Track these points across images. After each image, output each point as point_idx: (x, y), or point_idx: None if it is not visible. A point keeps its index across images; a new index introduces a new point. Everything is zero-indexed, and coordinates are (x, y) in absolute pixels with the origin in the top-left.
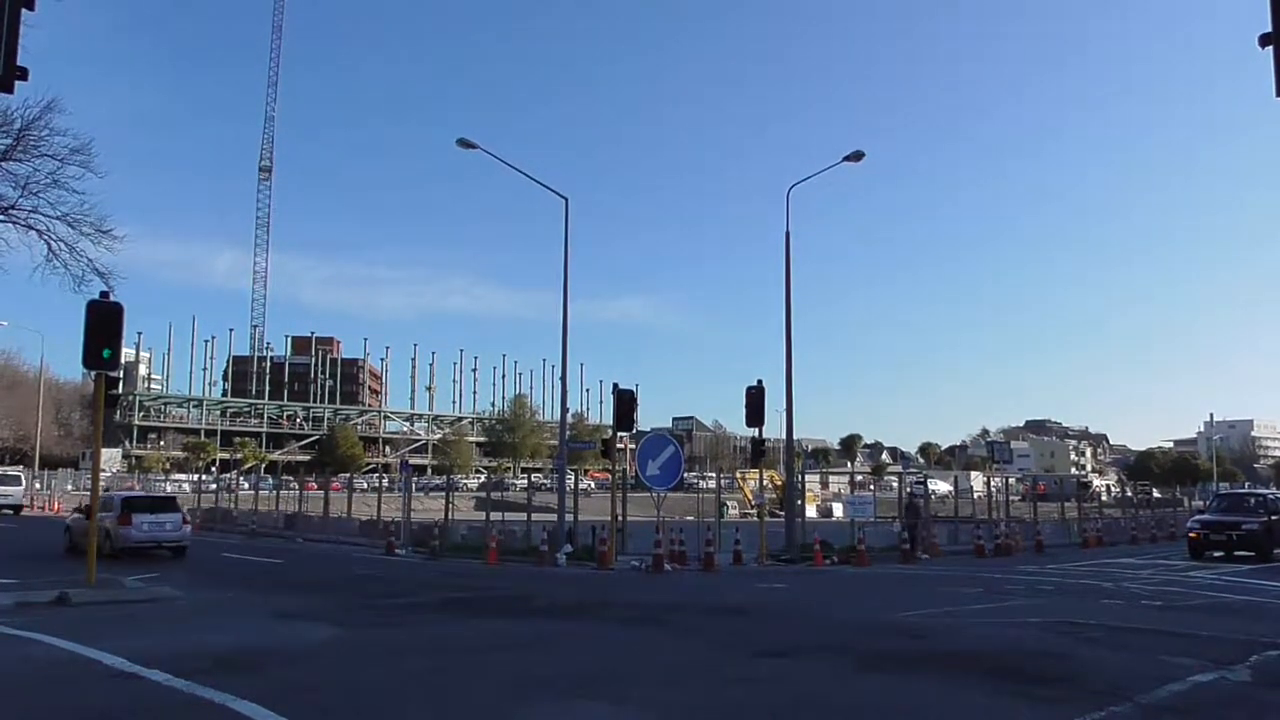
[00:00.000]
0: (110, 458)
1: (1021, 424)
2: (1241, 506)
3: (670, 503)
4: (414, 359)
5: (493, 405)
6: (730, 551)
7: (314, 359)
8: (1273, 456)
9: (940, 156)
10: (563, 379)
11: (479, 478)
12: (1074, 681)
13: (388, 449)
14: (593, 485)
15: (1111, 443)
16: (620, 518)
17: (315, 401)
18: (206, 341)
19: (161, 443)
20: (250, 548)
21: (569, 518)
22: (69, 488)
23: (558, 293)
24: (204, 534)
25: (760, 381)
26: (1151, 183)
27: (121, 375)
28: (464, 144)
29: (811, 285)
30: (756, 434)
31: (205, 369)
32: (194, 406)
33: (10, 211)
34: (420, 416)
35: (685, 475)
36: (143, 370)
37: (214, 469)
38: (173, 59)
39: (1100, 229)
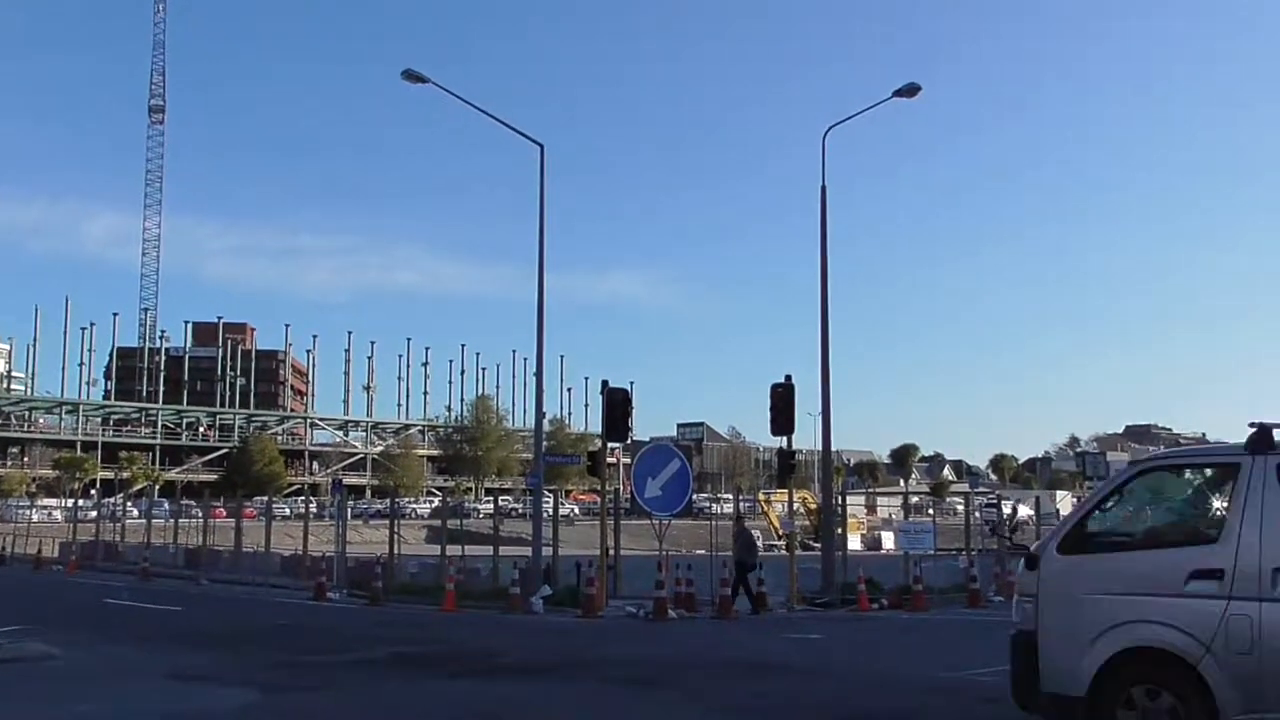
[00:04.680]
0: None
1: (1120, 430)
2: None
3: (675, 532)
4: (348, 351)
5: (449, 409)
6: (753, 593)
7: (221, 351)
8: None
9: (1020, 101)
10: (538, 375)
11: (432, 501)
12: None
13: (316, 465)
14: (577, 510)
15: None
16: (612, 551)
17: (223, 405)
18: (83, 329)
19: (25, 459)
20: (142, 591)
21: (547, 551)
22: None
23: (531, 266)
24: (82, 574)
25: (789, 378)
26: None
27: None
28: (411, 77)
29: (855, 262)
30: (784, 444)
31: (82, 364)
32: (67, 412)
33: None
34: (357, 424)
35: (694, 497)
36: (0, 366)
37: (94, 492)
38: None
39: (1228, 188)
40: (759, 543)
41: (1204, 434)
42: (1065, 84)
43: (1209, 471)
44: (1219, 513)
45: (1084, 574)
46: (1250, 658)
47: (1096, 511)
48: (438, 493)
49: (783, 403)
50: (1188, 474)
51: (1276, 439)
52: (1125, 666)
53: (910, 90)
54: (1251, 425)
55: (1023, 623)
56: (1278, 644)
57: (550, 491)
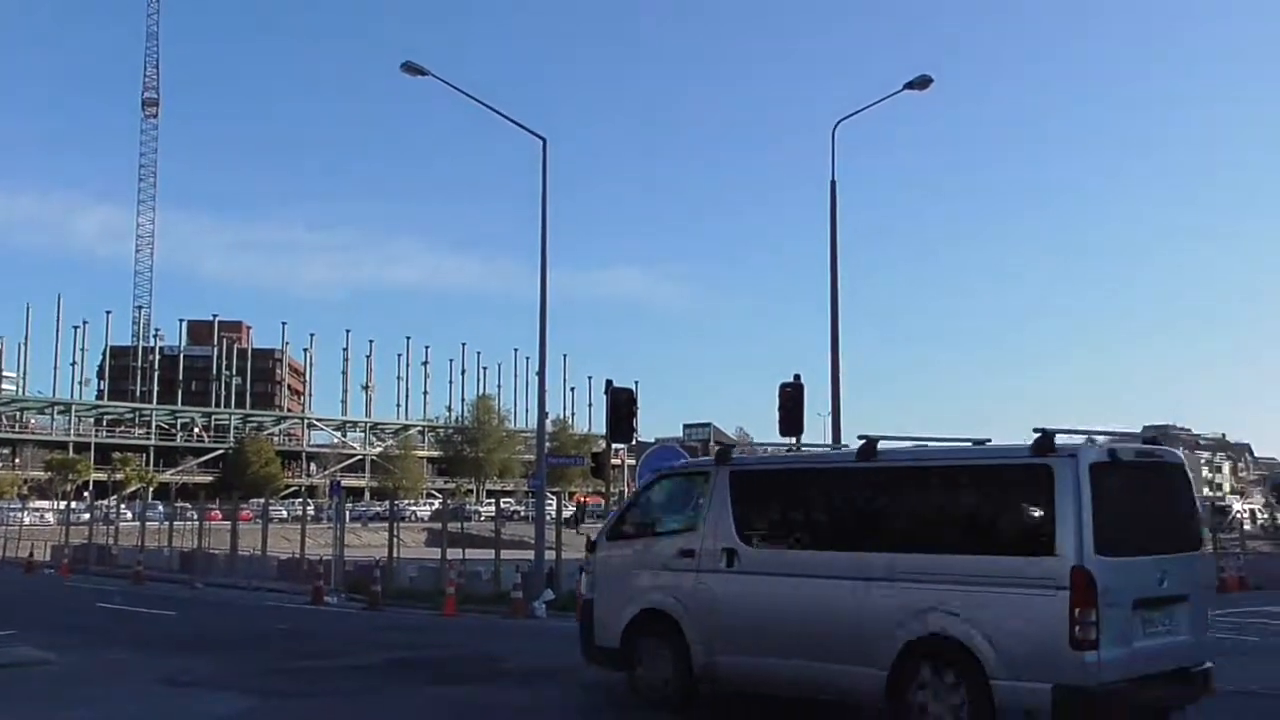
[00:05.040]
0: None
1: (1137, 430)
2: None
3: None
4: (346, 350)
5: (449, 410)
6: None
7: (217, 350)
8: None
9: (1028, 89)
10: (540, 374)
11: (432, 504)
12: None
13: (313, 466)
14: None
15: (1256, 455)
16: None
17: (219, 405)
18: (76, 328)
19: (17, 460)
20: (136, 595)
21: (549, 555)
22: None
23: (532, 261)
24: (75, 578)
25: (798, 377)
26: None
27: None
28: (411, 70)
29: (865, 259)
30: (794, 445)
31: (74, 363)
32: (59, 413)
33: None
34: (355, 424)
35: None
36: None
37: (87, 494)
38: None
39: (1252, 183)
40: None
41: (1224, 434)
42: (1080, 74)
43: (696, 478)
44: (698, 507)
45: (619, 555)
46: (710, 615)
47: (631, 508)
48: (438, 495)
49: (791, 402)
50: (685, 480)
51: (735, 454)
52: (640, 623)
53: (922, 82)
54: (1036, 431)
55: (586, 593)
56: (726, 606)
57: (553, 494)
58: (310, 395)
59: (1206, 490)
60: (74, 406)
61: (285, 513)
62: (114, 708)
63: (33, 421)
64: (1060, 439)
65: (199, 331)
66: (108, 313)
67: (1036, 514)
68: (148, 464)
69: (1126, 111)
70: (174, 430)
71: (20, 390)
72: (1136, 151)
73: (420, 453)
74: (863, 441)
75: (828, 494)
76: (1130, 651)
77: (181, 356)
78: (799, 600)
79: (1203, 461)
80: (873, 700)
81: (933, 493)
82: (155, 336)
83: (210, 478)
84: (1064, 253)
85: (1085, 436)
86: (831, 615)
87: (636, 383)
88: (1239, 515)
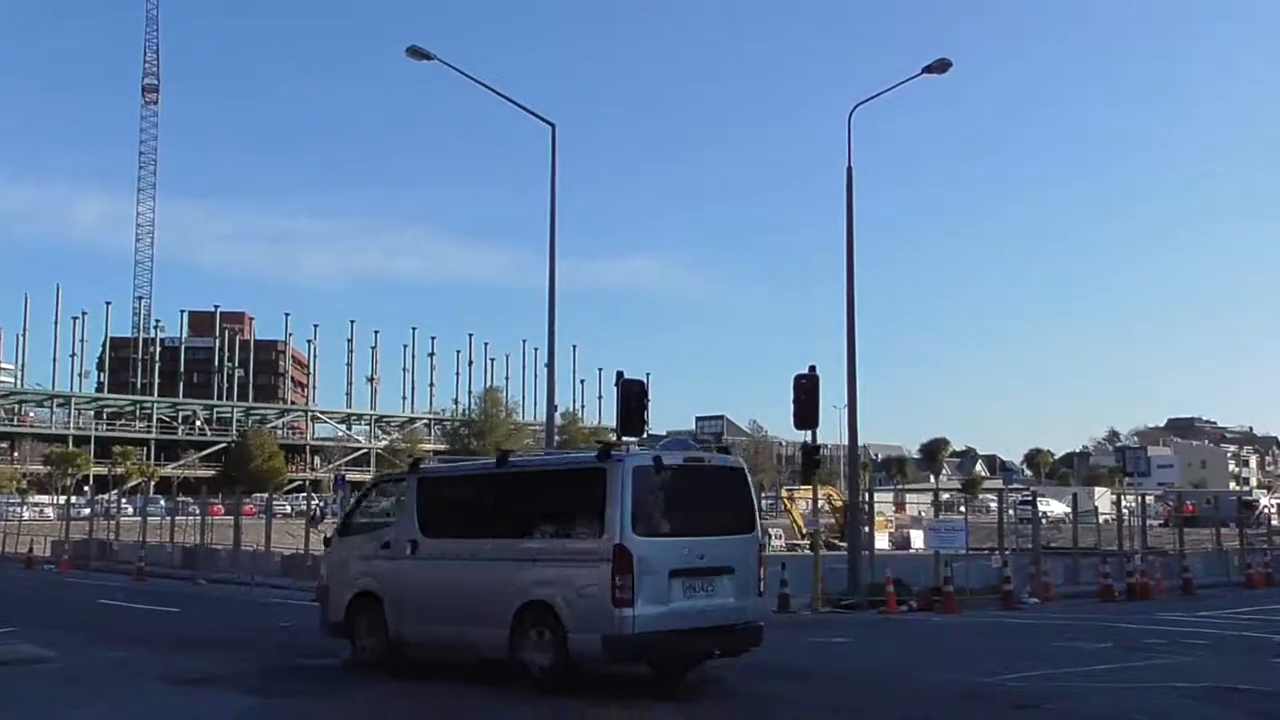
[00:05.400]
0: None
1: (1163, 424)
2: None
3: None
4: (350, 340)
5: (456, 402)
6: (775, 595)
7: (219, 341)
8: None
9: (1052, 74)
10: (549, 365)
11: None
12: None
13: (317, 460)
14: None
15: None
16: None
17: (221, 398)
18: (75, 319)
19: (15, 454)
20: (137, 592)
21: None
22: None
23: (541, 250)
24: (76, 574)
25: (813, 368)
26: None
27: None
28: (416, 54)
29: (883, 248)
30: (808, 438)
31: (74, 355)
32: (58, 405)
33: None
34: (360, 417)
35: None
36: None
37: (87, 488)
38: None
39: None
40: (782, 540)
41: (1250, 427)
42: (1103, 62)
43: (399, 484)
44: (397, 507)
45: (344, 548)
46: (399, 594)
47: (353, 509)
48: None
49: (807, 395)
50: (391, 485)
51: (423, 465)
52: (356, 603)
53: (941, 66)
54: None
55: (323, 580)
56: (409, 586)
57: None
58: (314, 387)
59: (1232, 485)
60: (73, 399)
61: (289, 508)
62: (115, 706)
63: (31, 414)
64: (617, 450)
65: (200, 322)
66: (107, 303)
67: (595, 505)
68: (148, 458)
69: (1149, 95)
70: (175, 423)
71: (19, 382)
72: (1162, 136)
73: (426, 446)
74: (500, 453)
75: (475, 494)
76: (667, 609)
77: (183, 348)
78: (454, 579)
79: (1229, 455)
80: (500, 654)
81: (536, 491)
82: (156, 327)
83: (212, 472)
84: (1087, 241)
85: (658, 445)
86: (475, 590)
87: (648, 374)
88: (1266, 510)
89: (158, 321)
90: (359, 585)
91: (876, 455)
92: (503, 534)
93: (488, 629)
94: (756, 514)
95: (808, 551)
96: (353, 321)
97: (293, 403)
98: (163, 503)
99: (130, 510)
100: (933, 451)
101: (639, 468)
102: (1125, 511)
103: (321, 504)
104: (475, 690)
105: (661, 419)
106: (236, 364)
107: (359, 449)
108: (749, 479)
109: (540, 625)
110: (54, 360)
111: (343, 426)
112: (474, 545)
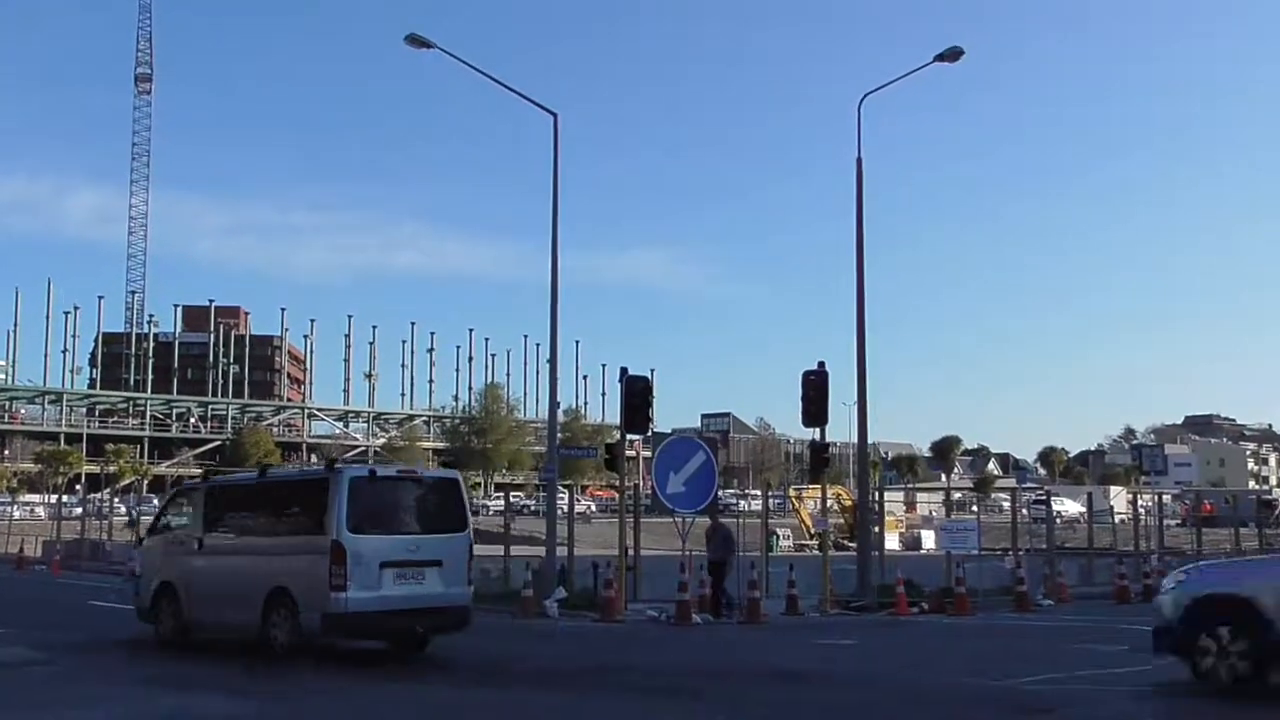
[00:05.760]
0: None
1: (1180, 421)
2: None
3: (700, 531)
4: (348, 336)
5: (456, 399)
6: (783, 596)
7: (213, 337)
8: None
9: (1064, 62)
10: (551, 362)
11: None
12: None
13: (314, 459)
14: (593, 507)
15: None
16: (631, 551)
17: (215, 394)
18: (67, 314)
19: (6, 452)
20: (130, 593)
21: (561, 551)
22: None
23: (543, 244)
24: (68, 575)
25: (822, 364)
26: None
27: None
28: (416, 42)
29: (893, 241)
30: (817, 436)
31: (65, 351)
32: (50, 402)
33: None
34: (358, 414)
35: (720, 493)
36: None
37: (79, 487)
38: None
39: None
40: (790, 541)
41: (1270, 425)
42: (1123, 53)
43: (196, 490)
44: (194, 509)
45: (154, 544)
46: (189, 583)
47: (162, 511)
48: None
49: (816, 391)
50: (189, 492)
51: (214, 476)
52: (160, 591)
53: (953, 54)
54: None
55: (137, 572)
56: (195, 576)
57: (565, 487)
58: (311, 384)
59: (1252, 484)
60: (65, 396)
61: None
62: (107, 710)
63: (22, 411)
64: (339, 465)
65: (195, 317)
66: (100, 298)
67: (322, 509)
68: (142, 456)
69: (1162, 88)
70: (169, 420)
71: (9, 379)
72: (1175, 129)
73: (426, 444)
74: (261, 466)
75: (243, 500)
76: (377, 594)
77: (177, 344)
78: (226, 570)
79: (1248, 453)
80: (256, 632)
81: (283, 497)
82: (149, 323)
83: (207, 470)
84: (1101, 235)
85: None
86: (239, 578)
87: (653, 370)
88: None
89: (151, 317)
90: (161, 576)
91: (887, 453)
92: (260, 533)
93: (248, 611)
94: (468, 516)
95: (816, 552)
96: (350, 316)
97: (289, 399)
98: (156, 502)
99: (123, 510)
100: (944, 450)
101: (355, 478)
102: (1141, 511)
103: (138, 509)
104: (475, 691)
105: (666, 416)
106: (231, 360)
107: (357, 446)
108: (462, 489)
109: (281, 607)
110: (45, 356)
111: (340, 424)
112: (241, 542)
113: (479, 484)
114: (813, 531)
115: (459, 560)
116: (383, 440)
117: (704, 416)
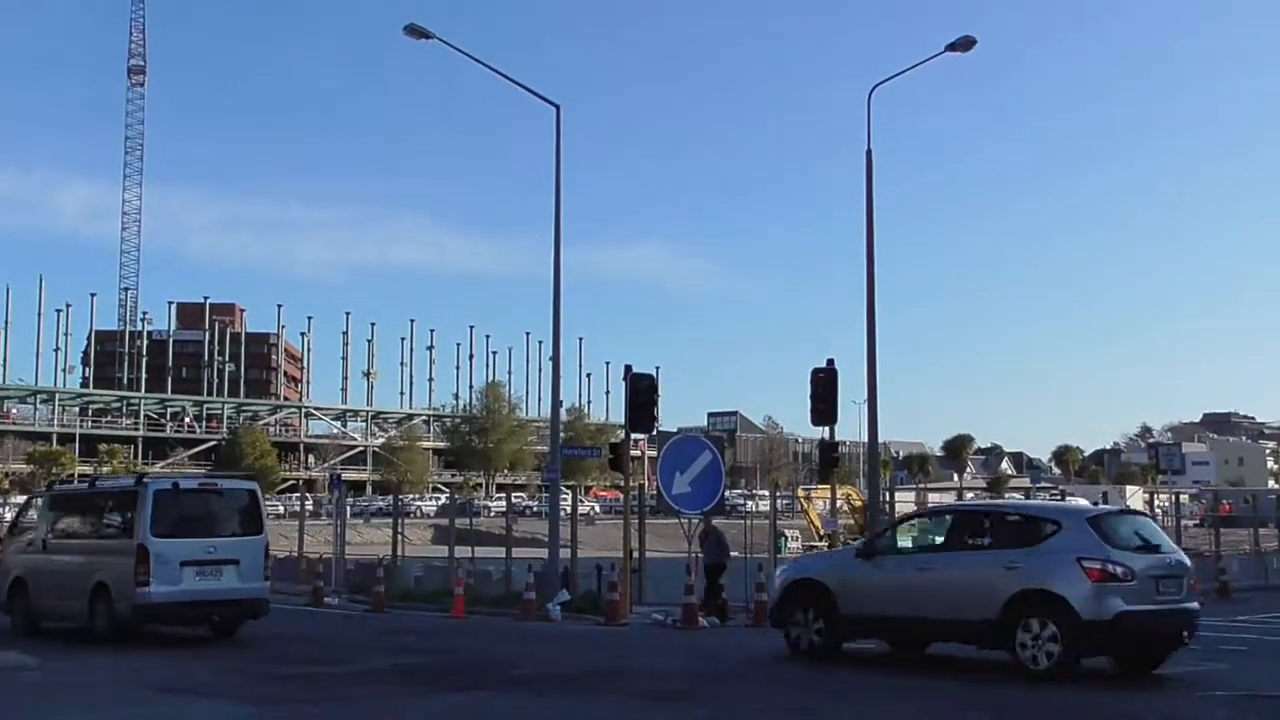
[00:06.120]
0: None
1: (1198, 419)
2: None
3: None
4: (346, 334)
5: (456, 398)
6: None
7: (208, 334)
8: None
9: (1078, 51)
10: (554, 359)
11: (438, 498)
12: None
13: (311, 459)
14: (597, 508)
15: None
16: (636, 553)
17: (211, 393)
18: (59, 311)
19: None
20: None
21: (564, 553)
22: None
23: (545, 239)
24: None
25: (831, 362)
26: None
27: None
28: (415, 33)
29: (904, 236)
30: (826, 435)
31: (58, 349)
32: (42, 401)
33: None
34: (356, 414)
35: (727, 494)
36: None
37: None
38: None
39: None
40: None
41: None
42: (1157, 37)
43: (42, 497)
44: (41, 514)
45: (14, 544)
46: (34, 577)
47: (18, 517)
48: (444, 489)
49: (825, 390)
50: (37, 499)
51: (56, 486)
52: (13, 584)
53: (965, 44)
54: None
55: None
56: (41, 574)
57: (568, 488)
58: (308, 382)
59: (1271, 483)
60: (57, 395)
61: (282, 508)
62: (102, 716)
63: (14, 411)
64: (146, 478)
65: (189, 314)
66: (92, 295)
67: (131, 516)
68: (136, 456)
69: (1176, 80)
70: (163, 420)
71: (0, 378)
72: (1192, 121)
73: (426, 444)
74: (90, 479)
75: (79, 506)
76: (177, 589)
77: (171, 341)
78: (60, 567)
79: (1268, 452)
80: (85, 620)
81: (106, 504)
82: (143, 320)
83: (202, 470)
84: (1117, 231)
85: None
86: (72, 574)
87: (658, 368)
88: None
89: (145, 314)
90: (15, 573)
91: (898, 453)
92: (88, 535)
93: (78, 601)
94: (264, 521)
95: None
96: (348, 313)
97: (286, 398)
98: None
99: None
100: (956, 448)
101: (159, 490)
102: (1158, 511)
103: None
104: (471, 692)
105: (672, 414)
106: (227, 358)
107: (355, 446)
108: (259, 497)
109: (102, 599)
110: (37, 355)
111: (338, 423)
112: (74, 543)
113: (480, 484)
114: (822, 533)
115: (255, 559)
116: (381, 440)
117: (710, 415)
